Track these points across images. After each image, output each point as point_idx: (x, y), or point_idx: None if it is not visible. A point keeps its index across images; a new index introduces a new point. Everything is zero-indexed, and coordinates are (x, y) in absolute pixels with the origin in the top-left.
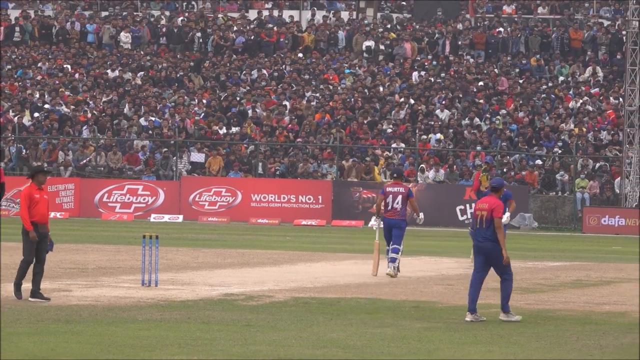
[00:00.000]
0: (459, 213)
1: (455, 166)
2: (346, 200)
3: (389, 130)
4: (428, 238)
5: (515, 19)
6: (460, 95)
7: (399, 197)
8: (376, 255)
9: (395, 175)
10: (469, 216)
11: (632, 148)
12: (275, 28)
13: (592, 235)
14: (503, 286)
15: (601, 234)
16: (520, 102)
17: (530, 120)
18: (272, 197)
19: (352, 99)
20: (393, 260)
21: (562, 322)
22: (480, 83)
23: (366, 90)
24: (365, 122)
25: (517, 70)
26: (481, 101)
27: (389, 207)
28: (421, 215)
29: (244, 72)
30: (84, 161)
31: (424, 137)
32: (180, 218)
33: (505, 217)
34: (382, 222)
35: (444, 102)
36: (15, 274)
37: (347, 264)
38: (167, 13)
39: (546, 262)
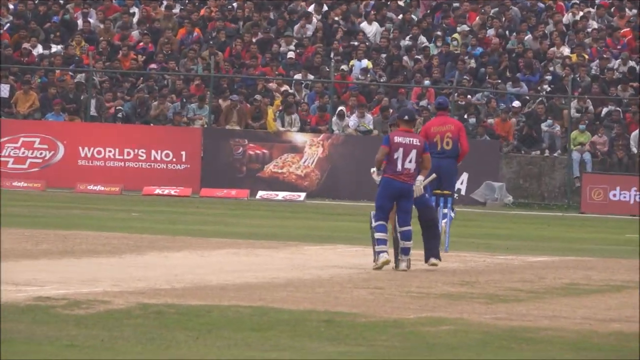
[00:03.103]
0: None
1: (390, 109)
2: (223, 159)
3: (291, 55)
4: (347, 217)
5: None
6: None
7: (413, 152)
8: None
9: (406, 117)
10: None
11: None
12: None
13: (595, 216)
14: None
15: (608, 214)
16: (490, 14)
17: (504, 42)
18: (110, 152)
19: (235, 5)
20: (406, 251)
21: (547, 347)
22: None
23: None
24: (254, 40)
25: None
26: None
27: (398, 168)
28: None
29: None
30: None
31: (344, 66)
32: None
33: (418, 181)
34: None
35: (373, 12)
36: None
37: (224, 254)
38: None
39: (525, 256)
